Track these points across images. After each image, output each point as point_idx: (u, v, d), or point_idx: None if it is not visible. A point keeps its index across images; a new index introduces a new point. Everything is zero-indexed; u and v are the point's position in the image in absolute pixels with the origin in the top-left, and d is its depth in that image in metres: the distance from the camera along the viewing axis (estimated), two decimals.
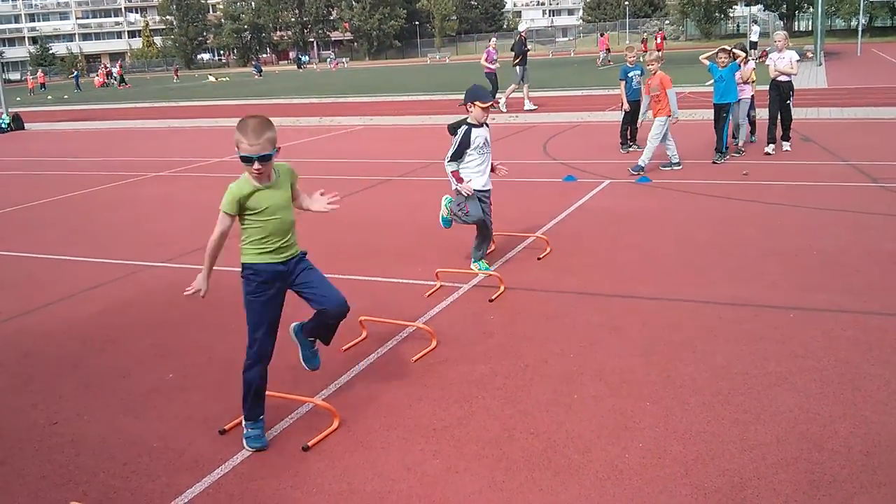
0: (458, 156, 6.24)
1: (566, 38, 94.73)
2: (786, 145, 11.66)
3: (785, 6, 70.02)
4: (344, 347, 4.90)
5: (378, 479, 3.56)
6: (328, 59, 79.99)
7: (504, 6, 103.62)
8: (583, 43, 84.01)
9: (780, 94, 11.31)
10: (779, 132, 11.55)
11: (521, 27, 21.04)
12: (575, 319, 5.39)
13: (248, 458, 3.80)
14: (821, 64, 31.28)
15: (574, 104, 20.70)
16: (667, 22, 78.84)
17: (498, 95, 18.43)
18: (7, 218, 10.38)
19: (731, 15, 77.41)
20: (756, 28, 38.72)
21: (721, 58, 10.78)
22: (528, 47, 20.42)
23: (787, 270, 6.18)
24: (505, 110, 19.00)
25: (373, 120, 20.63)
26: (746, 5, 71.04)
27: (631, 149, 12.24)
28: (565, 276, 6.38)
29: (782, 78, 11.24)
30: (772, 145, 11.50)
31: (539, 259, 6.85)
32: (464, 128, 6.22)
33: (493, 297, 5.88)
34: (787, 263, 6.34)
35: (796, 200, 8.49)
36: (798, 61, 11.37)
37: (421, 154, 13.69)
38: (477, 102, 6.15)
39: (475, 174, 6.30)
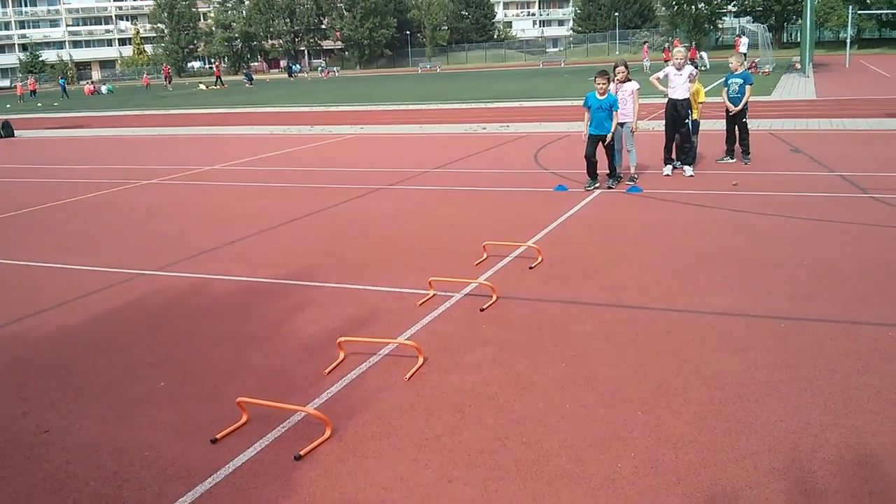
0: None
1: (556, 49, 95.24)
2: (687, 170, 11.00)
3: (773, 18, 70.62)
4: (326, 371, 4.86)
5: (370, 488, 3.56)
6: (319, 68, 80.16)
7: (495, 16, 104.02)
8: (573, 54, 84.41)
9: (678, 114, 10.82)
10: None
11: None
12: (566, 329, 5.40)
13: (240, 468, 3.79)
14: (809, 76, 31.53)
15: (564, 114, 20.79)
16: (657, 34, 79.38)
17: None
18: None
19: (721, 26, 78.02)
20: (745, 39, 38.97)
21: (599, 83, 9.64)
22: None
23: (778, 280, 6.21)
24: None
25: (364, 129, 20.65)
26: (735, 17, 71.66)
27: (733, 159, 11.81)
28: (557, 285, 6.39)
29: (675, 96, 10.77)
30: (669, 167, 11.07)
31: (531, 268, 6.87)
32: None
33: (485, 307, 5.89)
34: (778, 273, 6.38)
35: (786, 211, 8.55)
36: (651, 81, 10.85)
37: (412, 163, 13.72)
38: None
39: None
